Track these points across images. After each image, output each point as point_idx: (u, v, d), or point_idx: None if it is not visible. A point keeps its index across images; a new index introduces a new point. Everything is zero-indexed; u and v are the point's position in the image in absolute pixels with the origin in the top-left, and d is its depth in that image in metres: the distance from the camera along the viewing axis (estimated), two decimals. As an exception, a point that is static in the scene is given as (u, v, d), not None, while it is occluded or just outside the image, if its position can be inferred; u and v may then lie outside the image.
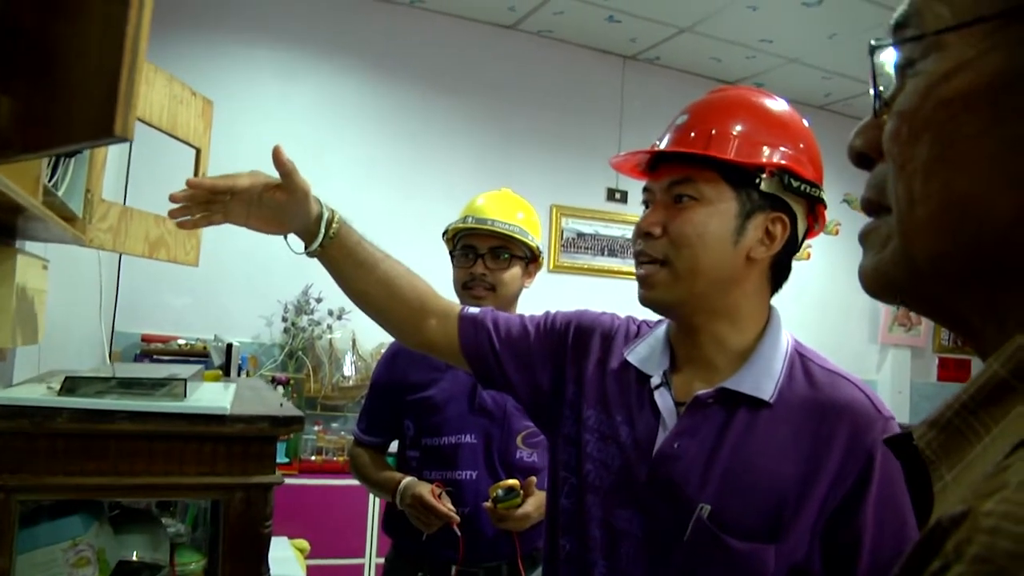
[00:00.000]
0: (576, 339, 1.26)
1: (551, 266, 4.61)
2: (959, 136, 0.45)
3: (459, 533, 1.81)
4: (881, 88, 0.53)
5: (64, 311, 2.29)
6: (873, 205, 0.53)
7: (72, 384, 1.24)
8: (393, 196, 4.34)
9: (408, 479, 1.88)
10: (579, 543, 1.15)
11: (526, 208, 2.06)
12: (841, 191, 5.72)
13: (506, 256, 1.97)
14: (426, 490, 1.82)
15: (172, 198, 1.18)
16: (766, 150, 1.10)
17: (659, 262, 1.10)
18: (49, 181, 1.21)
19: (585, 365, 1.23)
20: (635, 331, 1.26)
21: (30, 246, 1.60)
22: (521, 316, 1.34)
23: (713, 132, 1.09)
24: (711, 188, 1.08)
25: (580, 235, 4.83)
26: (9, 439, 1.16)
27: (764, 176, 1.08)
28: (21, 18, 0.71)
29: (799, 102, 5.54)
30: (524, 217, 2.02)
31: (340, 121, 4.30)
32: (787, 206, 1.11)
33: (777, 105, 1.19)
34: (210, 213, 1.21)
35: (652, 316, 1.23)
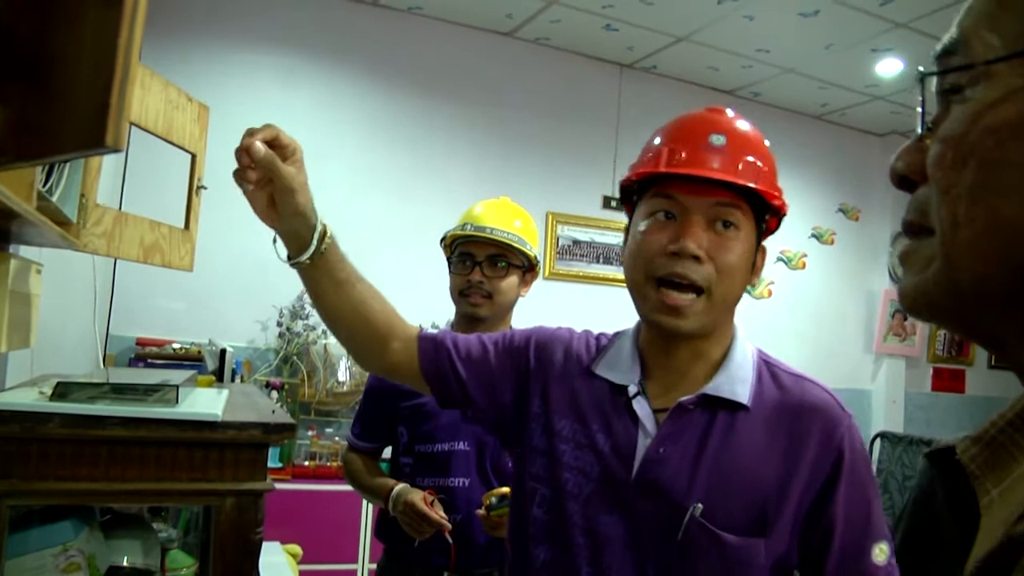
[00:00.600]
0: (537, 354, 1.27)
1: (546, 273, 4.61)
2: (1006, 163, 0.46)
3: (451, 540, 1.81)
4: (927, 112, 0.54)
5: (58, 315, 2.29)
6: (915, 227, 0.55)
7: (64, 389, 1.24)
8: (391, 202, 4.35)
9: (401, 486, 1.89)
10: (560, 551, 1.16)
11: (524, 217, 2.06)
12: (836, 201, 5.74)
13: (504, 264, 1.97)
14: (418, 497, 1.82)
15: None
16: (778, 187, 1.17)
17: (698, 290, 1.10)
18: (44, 186, 1.21)
19: (550, 378, 1.24)
20: (595, 344, 1.28)
21: (24, 250, 1.60)
22: (479, 336, 1.33)
23: (753, 165, 1.12)
24: (745, 218, 1.13)
25: (576, 243, 4.83)
26: (0, 444, 1.16)
27: (779, 215, 1.18)
28: (15, 26, 0.71)
29: (795, 112, 5.56)
30: (522, 226, 2.02)
31: (338, 127, 4.30)
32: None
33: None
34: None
35: (608, 329, 1.30)
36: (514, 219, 2.03)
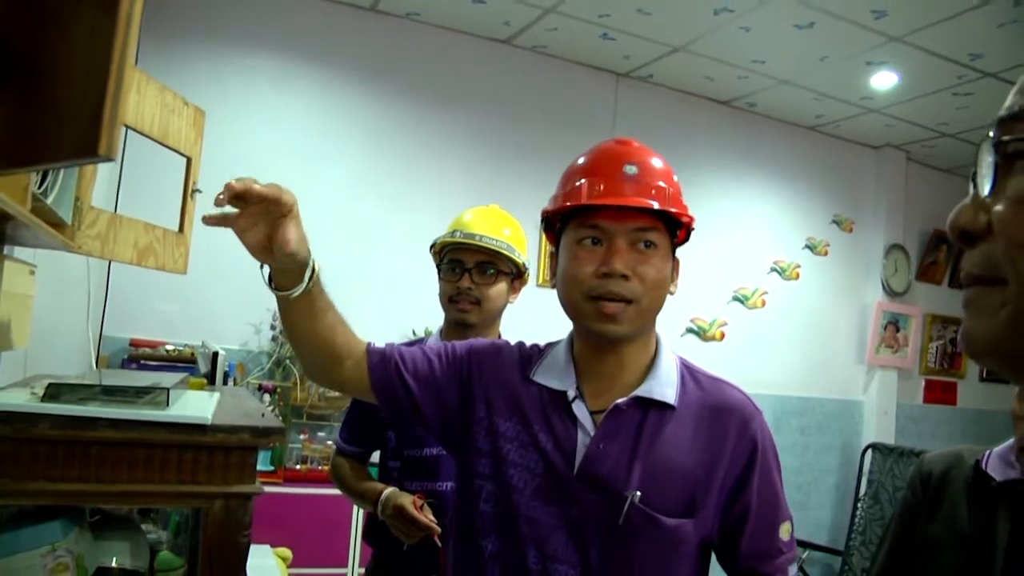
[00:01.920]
0: (478, 363, 1.38)
1: (539, 281, 4.62)
2: None
3: (439, 544, 1.82)
4: (984, 172, 0.59)
5: (52, 316, 2.30)
6: (978, 279, 0.59)
7: (55, 390, 1.25)
8: (384, 208, 4.35)
9: (390, 490, 1.89)
10: (507, 541, 1.28)
11: (513, 225, 2.08)
12: (830, 212, 5.77)
13: (492, 271, 1.99)
14: (407, 501, 1.82)
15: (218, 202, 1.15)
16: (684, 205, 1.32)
17: (627, 301, 1.24)
18: (39, 188, 1.23)
19: (491, 384, 1.35)
20: (528, 353, 1.40)
21: (19, 251, 1.61)
22: (422, 348, 1.41)
23: (664, 189, 1.28)
24: (660, 236, 1.28)
25: (570, 250, 4.83)
26: (-9, 444, 1.17)
27: (687, 231, 1.34)
28: (10, 33, 0.72)
29: (790, 123, 5.59)
30: (511, 233, 2.04)
31: (333, 132, 4.31)
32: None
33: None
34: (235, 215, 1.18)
35: (541, 339, 1.44)
36: (503, 227, 2.04)
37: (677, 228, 1.32)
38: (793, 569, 1.28)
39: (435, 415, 1.36)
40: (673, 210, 1.27)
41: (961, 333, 0.61)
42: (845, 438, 5.73)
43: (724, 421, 1.29)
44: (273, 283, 1.23)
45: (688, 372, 1.35)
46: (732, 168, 5.41)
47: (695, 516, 1.25)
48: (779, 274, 5.52)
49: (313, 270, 1.24)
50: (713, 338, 5.23)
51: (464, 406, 1.36)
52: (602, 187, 1.27)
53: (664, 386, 1.30)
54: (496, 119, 4.70)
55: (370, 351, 1.35)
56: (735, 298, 5.35)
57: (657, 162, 1.33)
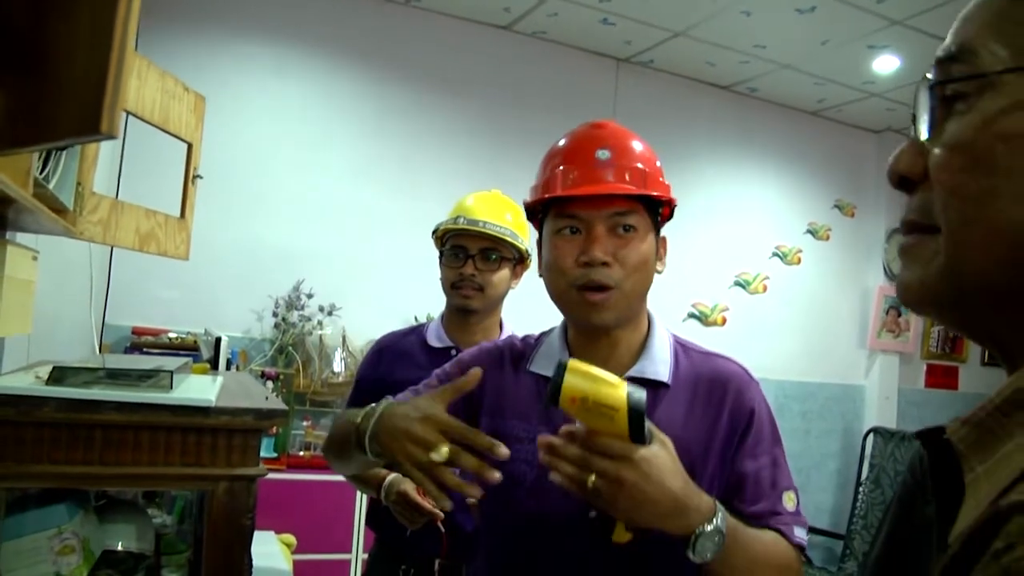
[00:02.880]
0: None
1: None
2: (1014, 170, 0.50)
3: (443, 529, 1.83)
4: (925, 116, 0.57)
5: (54, 303, 2.30)
6: (917, 226, 0.58)
7: (60, 374, 1.25)
8: (385, 194, 4.35)
9: (393, 475, 1.90)
10: (510, 530, 1.31)
11: (514, 209, 2.08)
12: (832, 197, 5.76)
13: (496, 257, 1.99)
14: (411, 487, 1.83)
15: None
16: (662, 185, 1.30)
17: (610, 288, 1.23)
18: (40, 174, 1.23)
19: (490, 393, 1.35)
20: (521, 346, 1.41)
21: (20, 237, 1.61)
22: (424, 387, 1.41)
23: (640, 171, 1.27)
24: (640, 218, 1.26)
25: (572, 236, 4.83)
26: (-4, 427, 1.17)
27: (670, 207, 1.31)
28: (11, 13, 0.72)
29: (791, 107, 5.57)
30: (513, 219, 2.03)
31: (333, 118, 4.30)
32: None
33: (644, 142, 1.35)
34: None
35: (543, 324, 1.44)
36: (505, 212, 2.04)
37: (659, 207, 1.30)
38: (802, 532, 1.24)
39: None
40: (652, 193, 1.26)
41: (896, 283, 0.60)
42: (847, 423, 5.74)
43: (720, 392, 1.29)
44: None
45: (681, 348, 1.35)
46: (733, 153, 5.40)
47: None
48: (781, 259, 5.52)
49: None
50: (715, 323, 5.23)
51: (471, 421, 1.35)
52: (575, 175, 1.27)
53: (657, 365, 1.30)
54: (497, 105, 4.69)
55: None
56: (737, 283, 5.35)
57: (634, 143, 1.31)
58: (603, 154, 1.27)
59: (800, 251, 5.60)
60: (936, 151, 0.55)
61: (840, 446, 5.71)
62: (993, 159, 0.51)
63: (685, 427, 1.25)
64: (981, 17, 0.54)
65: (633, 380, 1.25)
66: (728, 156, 5.37)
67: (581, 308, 1.25)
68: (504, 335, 2.00)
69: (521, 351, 1.40)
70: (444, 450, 1.11)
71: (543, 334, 1.42)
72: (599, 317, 1.25)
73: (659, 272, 1.32)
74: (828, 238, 5.72)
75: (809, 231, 5.66)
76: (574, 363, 1.03)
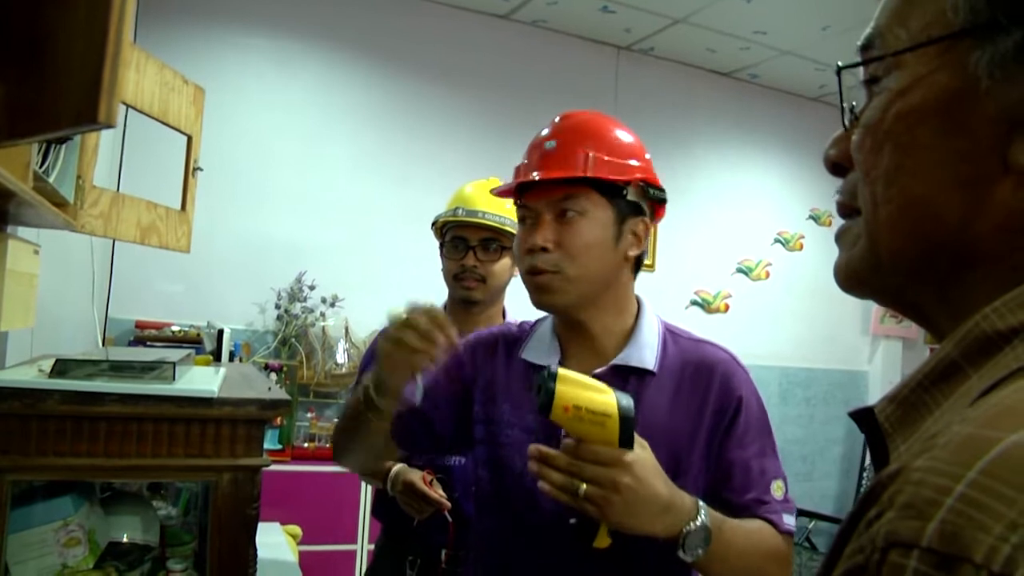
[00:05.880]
0: (471, 359, 1.41)
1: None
2: (914, 146, 0.52)
3: (449, 519, 1.83)
4: (854, 103, 0.59)
5: (57, 297, 2.30)
6: (846, 208, 0.59)
7: (63, 367, 1.26)
8: (385, 185, 4.35)
9: (399, 466, 1.90)
10: (500, 518, 1.33)
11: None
12: (835, 183, 5.73)
13: (496, 247, 1.98)
14: (417, 477, 1.83)
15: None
16: (624, 166, 1.29)
17: (546, 272, 1.26)
18: (40, 167, 1.23)
19: (485, 376, 1.39)
20: (516, 332, 1.44)
21: (22, 231, 1.61)
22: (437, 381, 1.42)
23: (587, 155, 1.26)
24: (590, 203, 1.26)
25: (573, 225, 4.83)
26: (1, 420, 1.18)
27: (630, 188, 1.29)
28: (9, 4, 0.72)
29: (793, 93, 5.56)
30: (512, 207, 2.02)
31: (333, 110, 4.30)
32: (643, 209, 1.32)
33: (622, 127, 1.36)
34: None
35: (529, 317, 1.45)
36: (505, 200, 2.03)
37: (620, 190, 1.28)
38: (791, 519, 1.25)
39: (451, 435, 1.41)
40: (588, 175, 1.24)
41: (833, 268, 0.61)
42: (850, 408, 5.73)
43: (706, 378, 1.29)
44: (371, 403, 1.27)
45: (670, 335, 1.35)
46: (735, 140, 5.38)
47: (680, 479, 1.21)
48: (783, 245, 5.51)
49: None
50: (717, 310, 5.23)
51: (465, 409, 1.40)
52: (523, 168, 1.32)
53: (643, 352, 1.30)
54: (497, 94, 4.68)
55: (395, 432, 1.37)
56: (739, 270, 5.34)
57: (591, 128, 1.32)
58: (549, 144, 1.30)
59: (802, 237, 5.59)
60: (854, 136, 0.57)
61: (844, 432, 5.71)
62: (896, 137, 0.52)
63: (671, 415, 1.26)
64: (890, 5, 0.56)
65: (618, 368, 1.28)
66: (729, 143, 5.36)
67: (531, 293, 1.29)
68: (507, 324, 2.00)
69: (516, 337, 1.42)
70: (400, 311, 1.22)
71: (538, 321, 1.44)
72: (545, 299, 1.28)
73: (635, 258, 1.32)
74: (830, 224, 5.71)
75: (811, 217, 5.65)
76: (563, 372, 1.04)
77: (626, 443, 1.02)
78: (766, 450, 1.29)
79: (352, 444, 1.37)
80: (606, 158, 1.27)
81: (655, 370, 1.29)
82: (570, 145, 1.28)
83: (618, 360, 1.29)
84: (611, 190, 1.27)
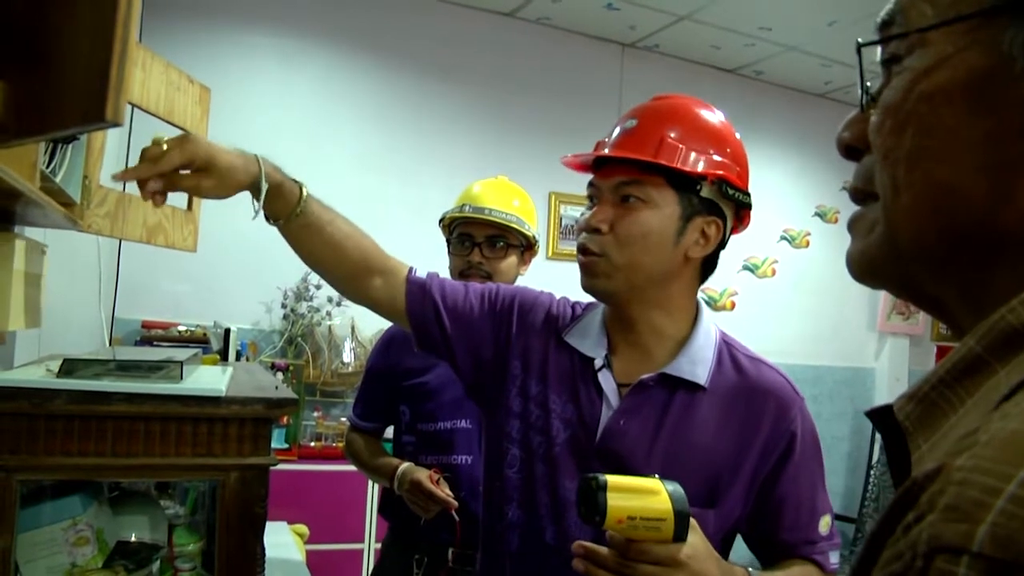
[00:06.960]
0: (520, 316, 1.33)
1: (549, 253, 4.62)
2: (939, 128, 0.48)
3: (456, 517, 1.83)
4: (868, 83, 0.56)
5: (64, 297, 2.31)
6: (861, 194, 0.56)
7: (70, 366, 1.25)
8: (391, 183, 4.35)
9: (405, 464, 1.90)
10: (527, 510, 1.25)
11: (522, 196, 2.07)
12: (840, 179, 5.73)
13: (502, 245, 1.98)
14: (424, 476, 1.83)
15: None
16: (706, 159, 1.21)
17: (595, 254, 1.20)
18: (47, 167, 1.23)
19: (530, 341, 1.30)
20: (570, 312, 1.35)
21: (29, 231, 1.61)
22: (466, 286, 1.37)
23: (662, 139, 1.18)
24: (657, 191, 1.18)
25: (578, 222, 4.82)
26: (9, 420, 1.18)
27: (705, 184, 1.20)
28: (14, 3, 0.72)
29: (798, 90, 5.54)
30: (520, 205, 2.03)
31: (338, 108, 4.30)
32: (721, 210, 1.23)
33: (715, 116, 1.28)
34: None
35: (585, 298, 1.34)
36: (512, 198, 2.03)
37: (695, 184, 1.19)
38: (835, 557, 1.20)
39: (467, 363, 1.33)
40: (660, 161, 1.16)
41: (845, 256, 0.58)
42: (857, 406, 5.72)
43: (759, 406, 1.21)
44: (268, 215, 1.26)
45: (728, 350, 1.27)
46: (740, 136, 5.36)
47: (716, 506, 1.17)
48: (789, 242, 5.49)
49: (300, 194, 1.28)
50: (724, 308, 5.22)
51: (499, 360, 1.32)
52: (601, 145, 1.27)
53: (695, 365, 1.22)
54: (502, 92, 4.68)
55: (410, 280, 1.33)
56: (745, 267, 5.33)
57: (677, 114, 1.25)
58: (630, 123, 1.24)
59: (808, 234, 5.58)
60: (873, 116, 0.54)
61: (851, 429, 5.70)
62: (919, 118, 0.50)
63: (716, 437, 1.19)
64: None
65: (667, 377, 1.20)
66: (735, 140, 5.34)
67: (581, 271, 1.24)
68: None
69: (565, 315, 1.34)
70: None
71: (589, 305, 1.36)
72: (587, 282, 1.23)
73: (698, 257, 1.23)
74: (836, 221, 5.70)
75: (817, 214, 5.63)
76: (612, 480, 0.97)
77: (680, 537, 0.96)
78: (816, 485, 1.23)
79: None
80: (682, 147, 1.19)
81: (706, 385, 1.21)
82: (649, 127, 1.21)
83: (668, 369, 1.21)
84: (682, 182, 1.19)
